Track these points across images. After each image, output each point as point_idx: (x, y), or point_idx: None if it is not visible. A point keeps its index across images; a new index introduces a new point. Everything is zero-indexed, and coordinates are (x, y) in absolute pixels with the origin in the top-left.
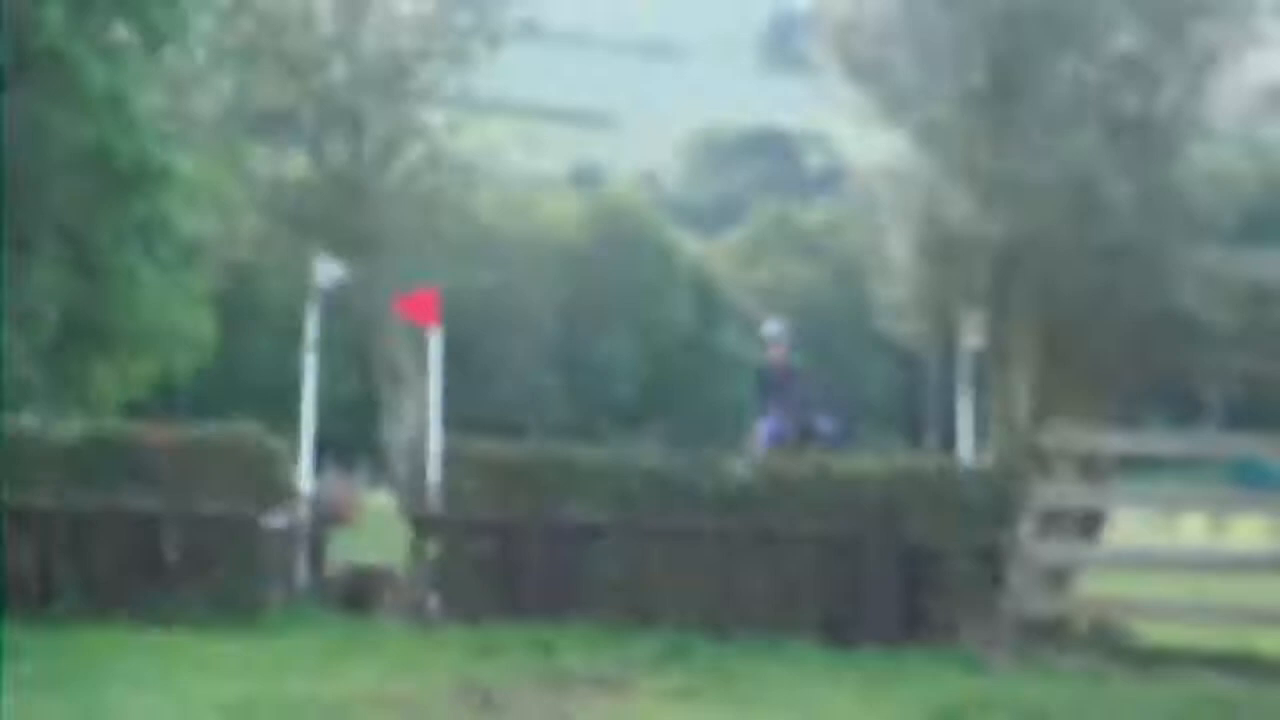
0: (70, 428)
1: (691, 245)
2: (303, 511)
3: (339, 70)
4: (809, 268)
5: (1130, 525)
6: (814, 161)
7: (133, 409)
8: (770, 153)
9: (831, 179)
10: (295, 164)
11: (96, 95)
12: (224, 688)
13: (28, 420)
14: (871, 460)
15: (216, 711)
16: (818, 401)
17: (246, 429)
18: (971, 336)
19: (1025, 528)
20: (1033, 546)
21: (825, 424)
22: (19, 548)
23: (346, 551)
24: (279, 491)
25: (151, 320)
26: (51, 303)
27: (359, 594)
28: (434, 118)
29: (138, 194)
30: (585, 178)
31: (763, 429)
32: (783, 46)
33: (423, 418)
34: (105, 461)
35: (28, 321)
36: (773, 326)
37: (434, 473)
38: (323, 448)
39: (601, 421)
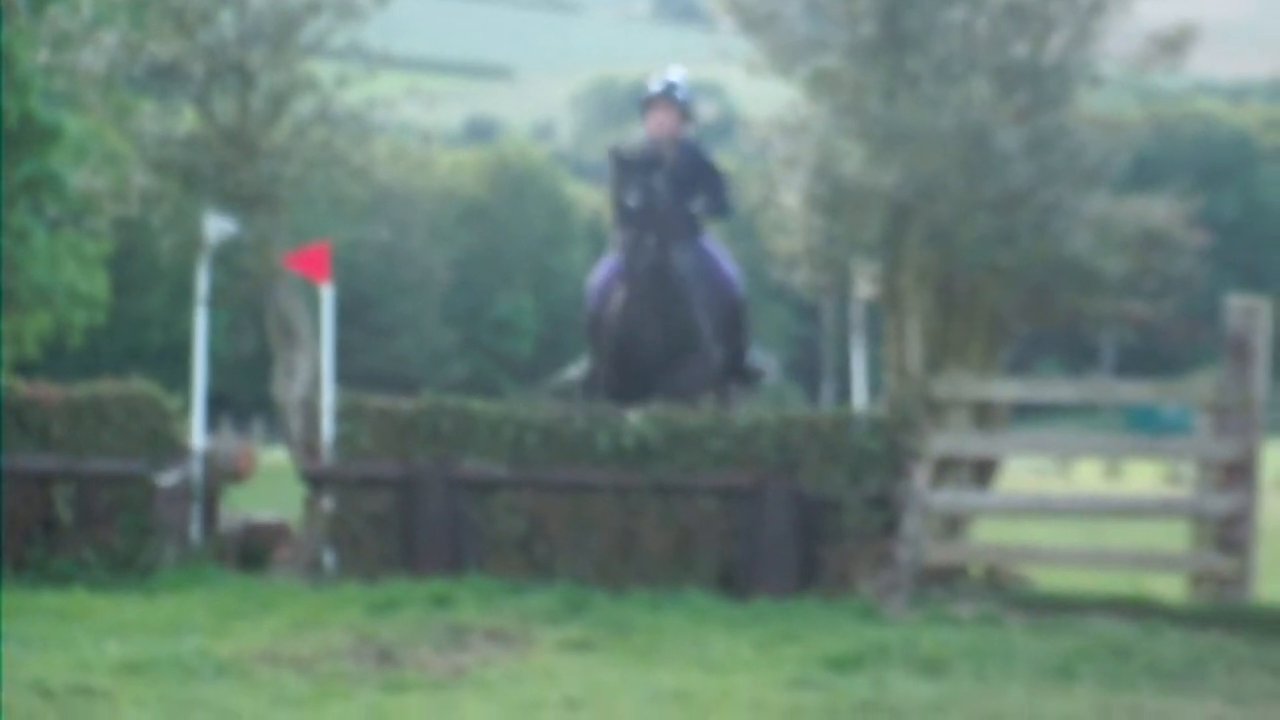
0: None
1: (589, 197)
2: (196, 469)
3: (227, 24)
4: None
5: (1025, 473)
6: (707, 112)
7: (23, 368)
8: None
9: (724, 130)
10: (184, 120)
11: None
12: (119, 647)
13: None
14: (767, 410)
15: (111, 671)
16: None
17: (139, 386)
18: (865, 286)
19: (920, 476)
20: (927, 494)
21: (761, 358)
22: None
23: (241, 508)
24: (172, 449)
25: (42, 278)
26: None
27: (254, 551)
28: (324, 72)
29: (25, 152)
30: (481, 131)
31: (600, 272)
32: None
33: (317, 374)
34: None
35: None
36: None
37: (328, 428)
38: (219, 405)
39: (500, 377)
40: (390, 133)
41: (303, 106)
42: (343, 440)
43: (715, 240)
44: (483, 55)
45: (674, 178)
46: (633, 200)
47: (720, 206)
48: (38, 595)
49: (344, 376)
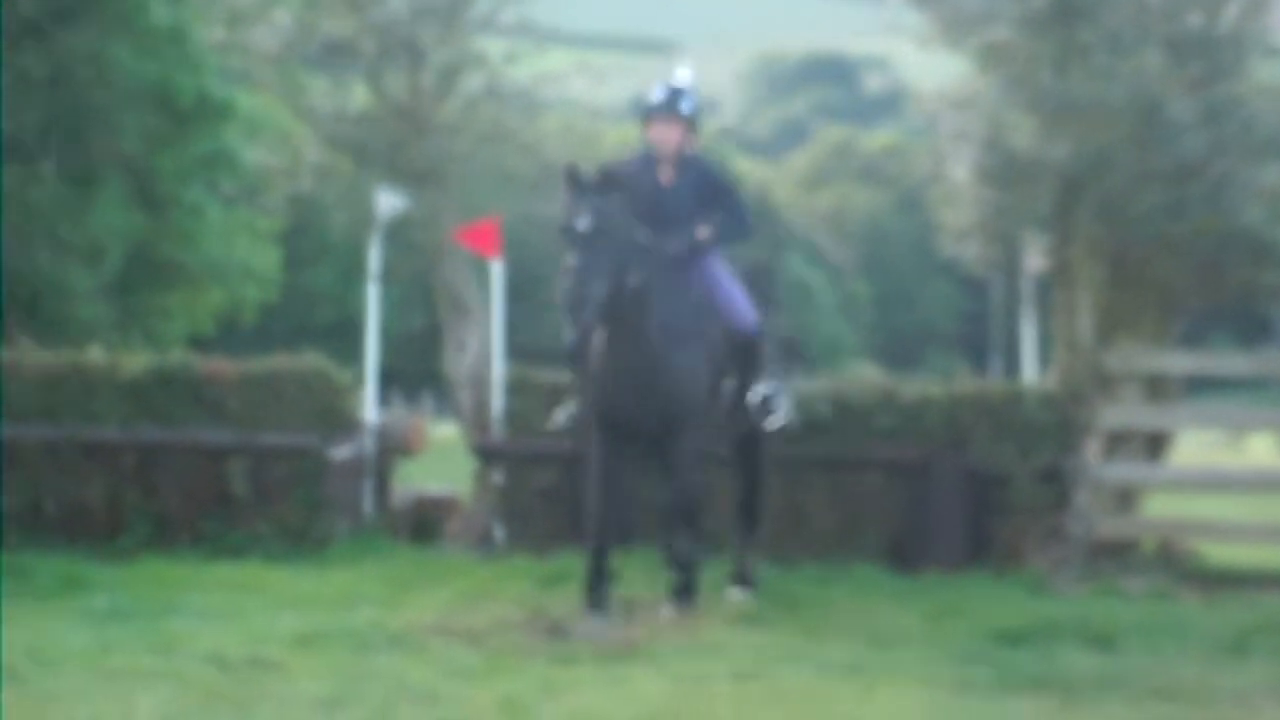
0: (136, 361)
1: (754, 172)
2: (368, 443)
3: (399, 1)
4: (871, 193)
5: (1197, 447)
6: (875, 86)
7: (199, 343)
8: (831, 78)
9: (893, 103)
10: (355, 96)
11: (158, 31)
12: (292, 619)
13: (95, 354)
14: (936, 385)
15: (284, 643)
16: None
17: (311, 361)
18: (1035, 260)
19: (1091, 450)
20: (1098, 468)
21: (774, 389)
22: (88, 481)
23: (412, 482)
24: (345, 423)
25: (216, 255)
26: (117, 238)
27: (425, 525)
28: (493, 48)
29: (200, 129)
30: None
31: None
32: None
33: (486, 349)
34: (172, 395)
35: (94, 257)
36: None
37: (497, 403)
38: (389, 379)
39: None
40: (559, 108)
41: (472, 83)
42: (511, 415)
43: (721, 260)
44: (649, 30)
45: (677, 199)
46: (582, 224)
47: (739, 225)
48: (214, 568)
49: (514, 352)
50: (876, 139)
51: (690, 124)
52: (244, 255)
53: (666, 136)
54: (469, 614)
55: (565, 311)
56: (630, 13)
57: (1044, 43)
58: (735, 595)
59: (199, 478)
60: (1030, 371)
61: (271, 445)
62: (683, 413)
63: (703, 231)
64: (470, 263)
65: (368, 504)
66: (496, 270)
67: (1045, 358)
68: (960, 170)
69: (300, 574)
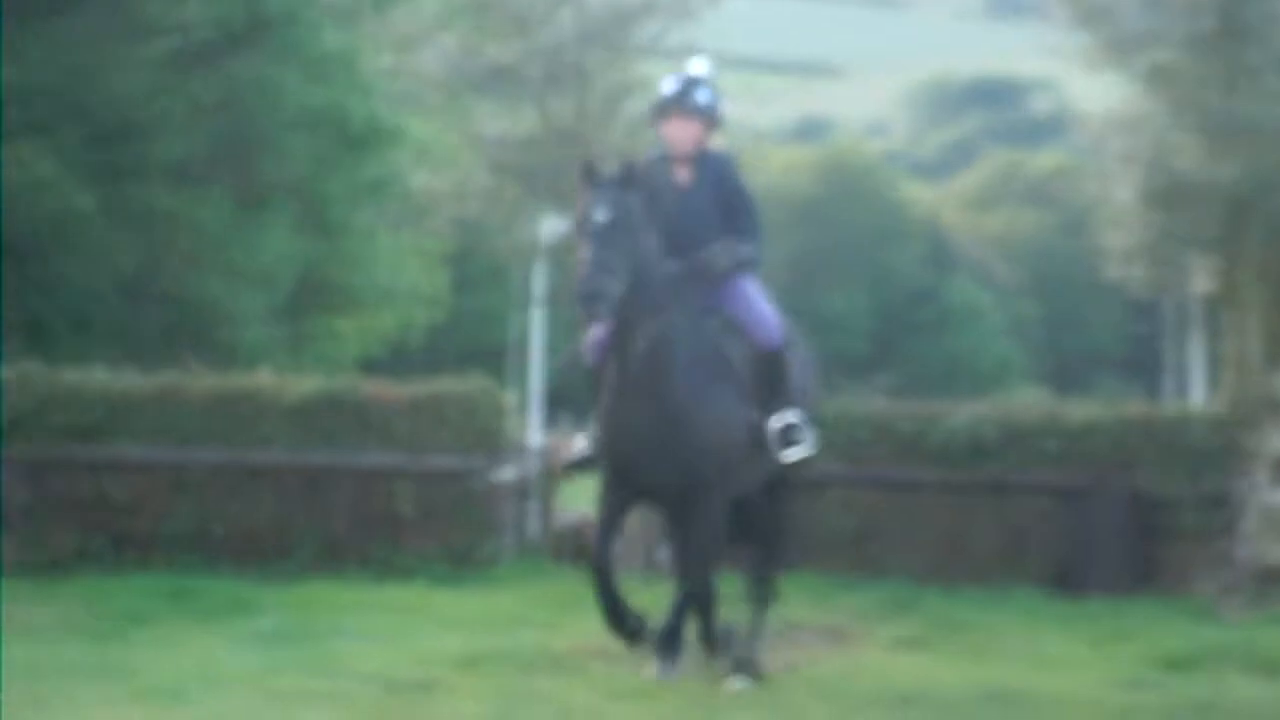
0: (303, 385)
1: (921, 194)
2: (533, 465)
3: (565, 26)
4: (1038, 215)
5: None
6: (1041, 108)
7: (369, 366)
8: (997, 100)
9: (1059, 125)
10: (521, 120)
11: (328, 57)
12: (456, 641)
13: (262, 378)
14: (1102, 408)
15: (449, 664)
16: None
17: (476, 384)
18: (1202, 281)
19: (1260, 474)
20: (1268, 493)
21: (797, 418)
22: (255, 503)
23: (577, 504)
24: (509, 446)
25: (385, 277)
26: (287, 263)
27: (588, 547)
28: (658, 72)
29: (370, 154)
30: (813, 129)
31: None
32: None
33: None
34: (338, 417)
35: (265, 282)
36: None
37: None
38: (557, 402)
39: (832, 375)
40: (723, 131)
41: (636, 107)
42: None
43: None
44: (814, 53)
45: (695, 203)
46: (599, 215)
47: (751, 252)
48: (380, 590)
49: None
50: (1043, 161)
51: (708, 119)
52: (413, 278)
53: (681, 133)
54: None
55: (579, 308)
56: (794, 36)
57: (1211, 63)
58: (735, 685)
59: (365, 500)
60: (1199, 395)
61: (437, 467)
62: (707, 476)
63: (721, 261)
64: None
65: (532, 526)
66: None
67: (1214, 381)
68: (1126, 192)
69: (465, 596)
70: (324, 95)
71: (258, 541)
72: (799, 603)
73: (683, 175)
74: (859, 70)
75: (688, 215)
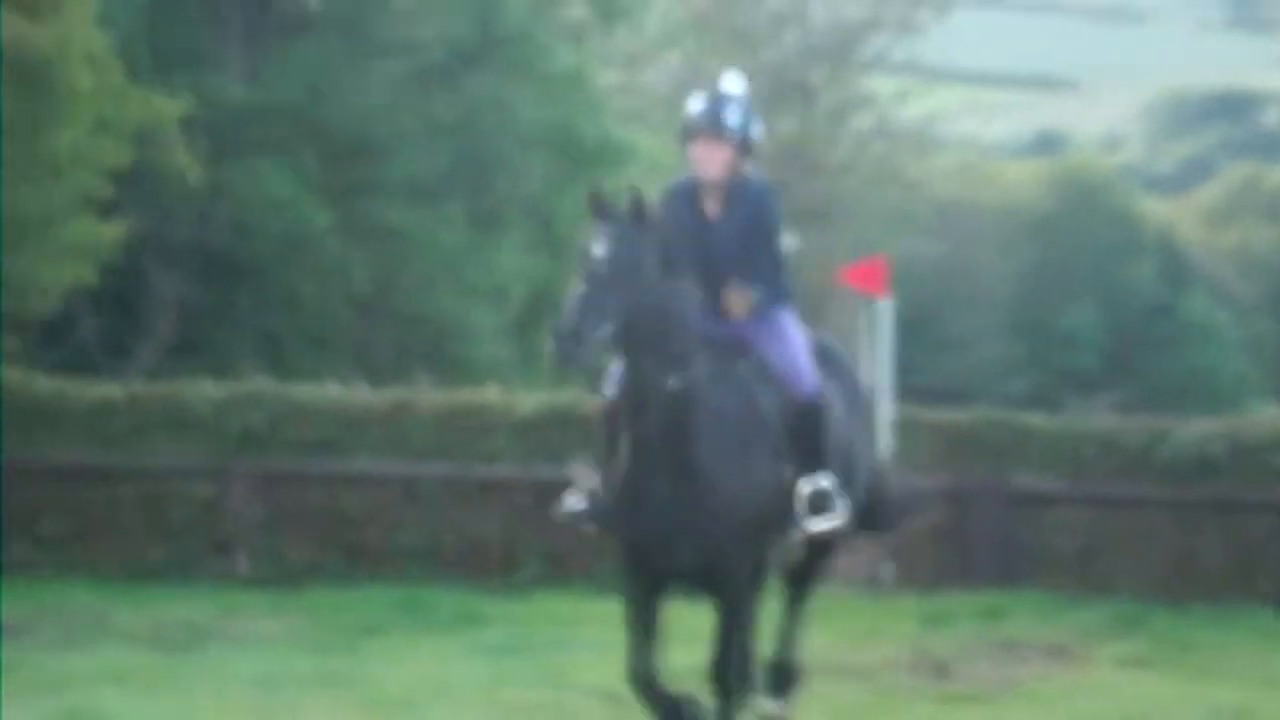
0: (530, 400)
1: (1157, 209)
2: None
3: (789, 42)
4: (1276, 230)
5: None
6: (1277, 121)
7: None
8: (1236, 113)
9: None
10: None
11: (559, 75)
12: (681, 654)
13: (490, 393)
14: None
15: (673, 677)
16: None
17: None
18: None
19: None
20: None
21: (829, 481)
22: (484, 517)
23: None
24: None
25: None
26: (519, 279)
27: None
28: (883, 87)
29: (601, 171)
30: (1049, 143)
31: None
32: (1250, 3)
33: (874, 387)
34: (565, 432)
35: (498, 298)
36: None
37: (887, 441)
38: None
39: (1062, 391)
40: (952, 147)
41: (861, 122)
42: (900, 453)
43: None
44: (1047, 67)
45: (725, 237)
46: (597, 250)
47: (776, 295)
48: (606, 603)
49: (904, 391)
50: None
51: (741, 143)
52: None
53: (709, 158)
54: (855, 652)
55: (550, 347)
56: (1025, 49)
57: None
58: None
59: None
60: None
61: None
62: (736, 558)
63: (738, 305)
64: (860, 301)
65: None
66: (885, 309)
67: None
68: None
69: (691, 609)
70: (556, 113)
71: (486, 554)
72: (1020, 620)
73: (711, 205)
74: (1096, 84)
75: (714, 249)
